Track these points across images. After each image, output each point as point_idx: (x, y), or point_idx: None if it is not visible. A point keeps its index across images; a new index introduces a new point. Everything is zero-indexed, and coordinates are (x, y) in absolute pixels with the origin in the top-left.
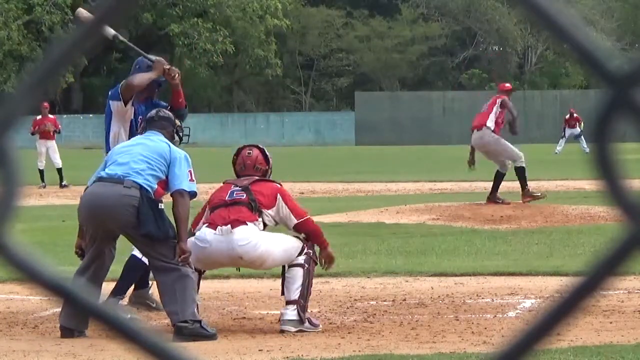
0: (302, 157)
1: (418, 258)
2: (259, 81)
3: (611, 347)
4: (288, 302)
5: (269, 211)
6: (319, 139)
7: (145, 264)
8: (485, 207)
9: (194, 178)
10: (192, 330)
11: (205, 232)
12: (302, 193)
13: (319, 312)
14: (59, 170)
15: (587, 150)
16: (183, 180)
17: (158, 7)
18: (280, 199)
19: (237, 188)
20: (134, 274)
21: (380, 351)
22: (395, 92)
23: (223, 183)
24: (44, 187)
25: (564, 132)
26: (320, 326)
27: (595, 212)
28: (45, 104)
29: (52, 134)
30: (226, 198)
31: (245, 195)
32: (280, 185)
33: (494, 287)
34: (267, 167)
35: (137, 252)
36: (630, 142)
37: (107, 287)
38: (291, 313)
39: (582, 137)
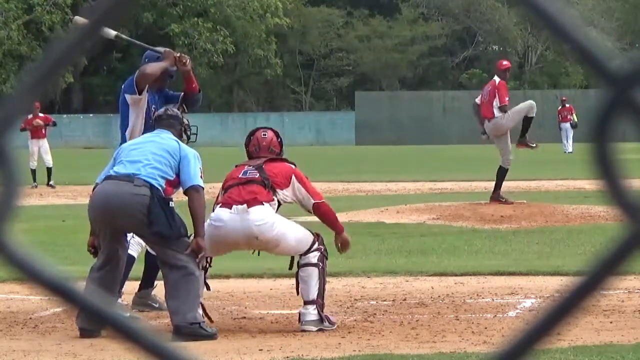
0: (302, 157)
1: (418, 258)
2: (259, 81)
3: (611, 347)
4: (306, 302)
5: (284, 190)
6: (319, 138)
7: (134, 258)
8: (486, 207)
9: (202, 177)
10: (191, 330)
11: (220, 212)
12: None
13: None
14: (49, 170)
15: (570, 150)
16: (196, 176)
17: (158, 7)
18: (295, 180)
19: (250, 167)
20: (127, 270)
21: (380, 351)
22: (395, 92)
23: (236, 166)
24: (36, 186)
25: (560, 126)
26: (336, 324)
27: (596, 212)
28: (36, 103)
29: (43, 131)
30: (240, 176)
31: (258, 174)
32: (294, 165)
33: (494, 286)
34: (279, 150)
35: (132, 251)
36: (630, 142)
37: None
38: (312, 313)
39: (572, 137)
